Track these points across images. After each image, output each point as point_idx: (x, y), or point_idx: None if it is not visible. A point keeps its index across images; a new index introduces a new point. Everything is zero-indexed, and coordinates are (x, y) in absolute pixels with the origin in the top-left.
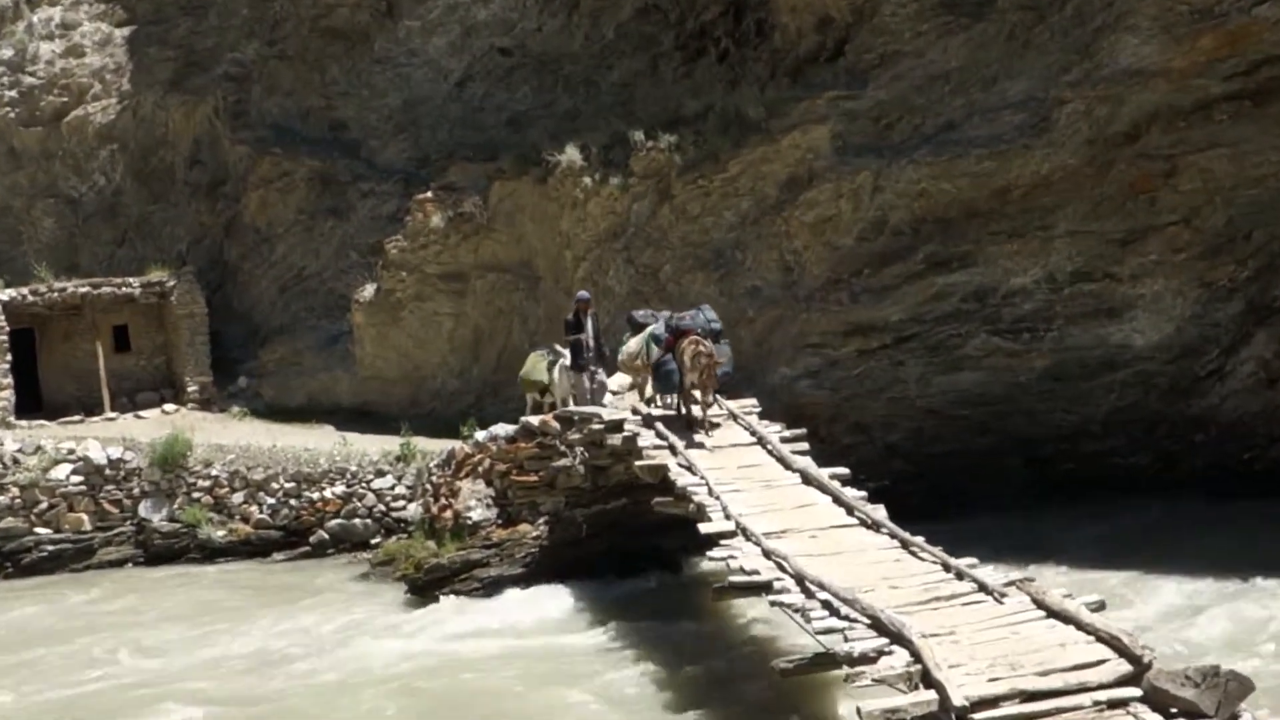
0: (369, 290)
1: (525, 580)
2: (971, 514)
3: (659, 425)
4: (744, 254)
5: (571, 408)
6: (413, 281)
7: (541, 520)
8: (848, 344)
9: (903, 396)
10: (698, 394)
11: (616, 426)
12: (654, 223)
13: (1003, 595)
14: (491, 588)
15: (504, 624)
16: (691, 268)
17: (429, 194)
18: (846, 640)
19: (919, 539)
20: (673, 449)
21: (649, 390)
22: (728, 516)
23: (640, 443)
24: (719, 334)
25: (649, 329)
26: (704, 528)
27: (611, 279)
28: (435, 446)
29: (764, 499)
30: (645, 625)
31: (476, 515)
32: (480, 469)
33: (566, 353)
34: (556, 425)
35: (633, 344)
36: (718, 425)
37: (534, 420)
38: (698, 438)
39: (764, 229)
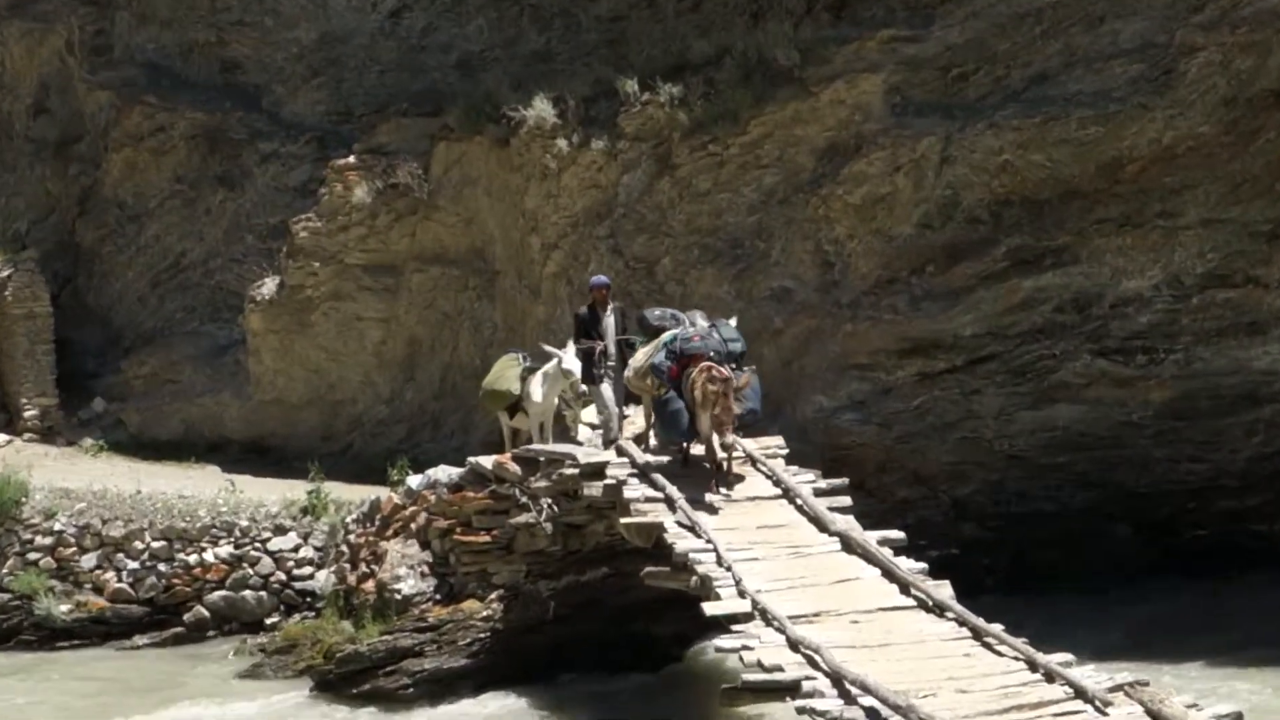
0: (269, 286)
1: (472, 677)
2: (1065, 594)
3: (653, 472)
4: (768, 244)
5: (547, 446)
6: (328, 275)
7: (495, 596)
8: (905, 366)
9: (977, 437)
10: (716, 440)
11: (596, 471)
12: (650, 201)
13: (1106, 704)
14: (426, 687)
15: None
16: (698, 261)
17: (351, 159)
18: None
19: (996, 627)
20: (670, 502)
21: (652, 438)
22: (742, 594)
23: (627, 494)
24: (741, 357)
25: (666, 335)
26: (710, 608)
27: (592, 274)
28: (354, 495)
29: (791, 571)
30: None
31: (407, 588)
32: (414, 526)
33: (562, 357)
34: (516, 469)
35: (642, 354)
36: (740, 479)
37: (485, 462)
38: (711, 497)
39: (795, 212)
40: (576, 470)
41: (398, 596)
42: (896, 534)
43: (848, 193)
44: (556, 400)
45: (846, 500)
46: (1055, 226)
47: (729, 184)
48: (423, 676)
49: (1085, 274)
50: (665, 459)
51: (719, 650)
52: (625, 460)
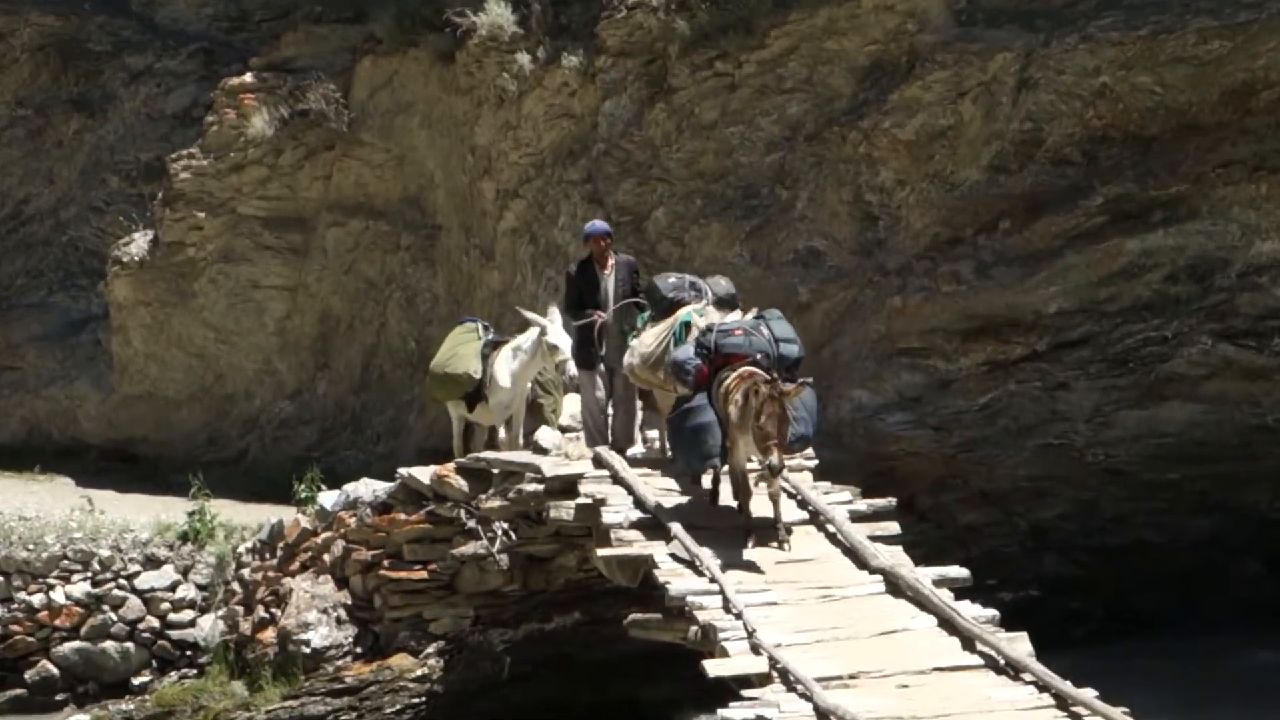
0: (139, 244)
1: None
2: (1178, 649)
3: (638, 486)
4: (792, 193)
5: (503, 454)
6: (217, 229)
7: (433, 649)
8: (969, 352)
9: (1064, 445)
10: (755, 467)
11: (566, 487)
12: (638, 135)
13: None
14: None
15: None
16: (701, 215)
17: (247, 79)
18: None
19: (1087, 693)
20: (663, 529)
21: (679, 461)
22: (757, 649)
23: (606, 517)
24: (796, 366)
25: (684, 312)
26: (715, 667)
27: (562, 230)
28: (249, 517)
29: (820, 619)
30: None
31: (318, 639)
32: (327, 558)
33: (546, 327)
34: (461, 483)
35: (650, 337)
36: (789, 533)
37: (422, 475)
38: (750, 554)
39: (828, 150)
40: (540, 486)
41: (306, 650)
42: (958, 571)
43: (897, 126)
44: (530, 386)
45: (893, 527)
46: (1167, 171)
47: (741, 114)
48: None
49: (1206, 233)
50: (677, 496)
51: None
52: (605, 473)
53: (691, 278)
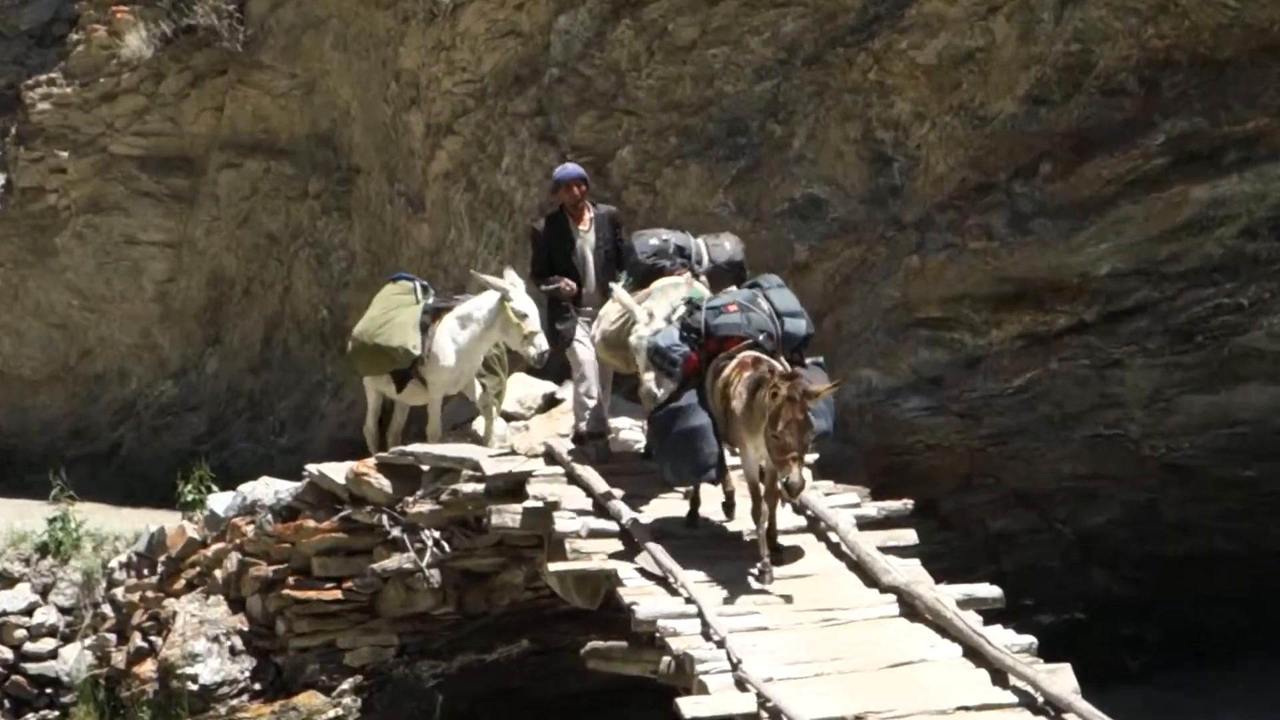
0: None
1: None
2: (1254, 681)
3: (599, 487)
4: (787, 130)
5: (435, 447)
6: (84, 173)
7: (349, 685)
8: (1003, 323)
9: (1117, 436)
10: (772, 478)
11: (511, 487)
12: (601, 58)
13: None
14: None
15: None
16: (676, 156)
17: None
18: None
19: None
20: (629, 539)
21: (665, 471)
22: (743, 684)
23: (560, 524)
24: (804, 345)
25: (666, 282)
26: (691, 706)
27: (507, 174)
28: (124, 525)
29: (821, 648)
30: None
31: (208, 673)
32: (219, 575)
33: (508, 290)
34: (383, 483)
35: (615, 310)
36: (797, 554)
37: (334, 472)
38: (755, 582)
39: (831, 77)
40: (480, 486)
41: (193, 687)
42: (988, 589)
43: (915, 47)
44: (479, 364)
45: (909, 536)
46: (1243, 103)
47: (726, 32)
48: None
49: None
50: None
51: None
52: (558, 471)
53: (681, 237)
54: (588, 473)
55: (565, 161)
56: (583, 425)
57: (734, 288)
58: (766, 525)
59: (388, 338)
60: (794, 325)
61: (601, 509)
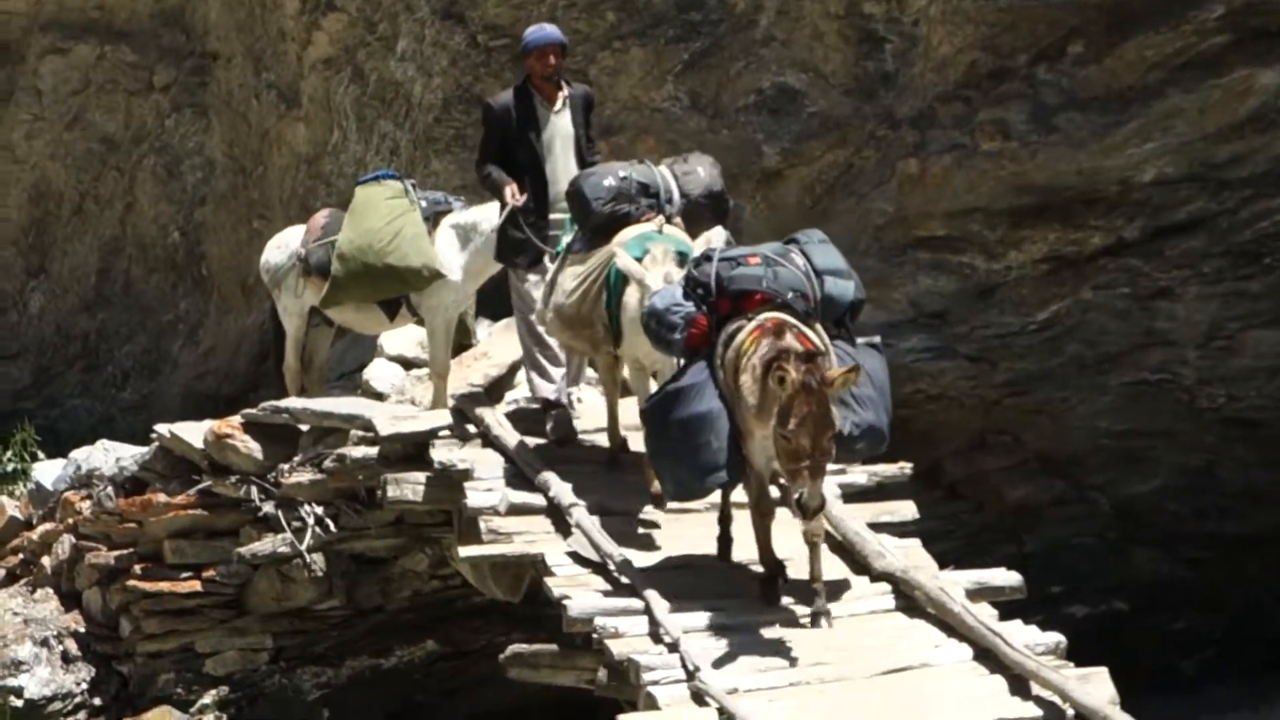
0: None
1: None
2: None
3: (521, 451)
4: (752, 1)
5: (313, 402)
6: None
7: (212, 698)
8: (1022, 243)
9: (1166, 382)
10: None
11: (411, 452)
12: None
13: None
14: None
15: None
16: (615, 35)
17: None
18: None
19: None
20: (558, 515)
21: (664, 481)
22: (700, 698)
23: (473, 498)
24: (854, 311)
25: (626, 238)
26: None
27: (403, 60)
28: None
29: (798, 650)
30: None
31: (36, 685)
32: (48, 562)
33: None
34: (252, 447)
35: (570, 278)
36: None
37: (190, 434)
38: (689, 551)
39: None
40: (373, 450)
41: (16, 702)
42: (1006, 576)
43: None
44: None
45: (908, 510)
46: None
47: None
48: None
49: None
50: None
51: None
52: (470, 430)
53: (643, 170)
54: (507, 434)
55: (475, 45)
56: (547, 390)
57: (721, 229)
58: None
59: (403, 256)
60: (837, 287)
61: (524, 479)
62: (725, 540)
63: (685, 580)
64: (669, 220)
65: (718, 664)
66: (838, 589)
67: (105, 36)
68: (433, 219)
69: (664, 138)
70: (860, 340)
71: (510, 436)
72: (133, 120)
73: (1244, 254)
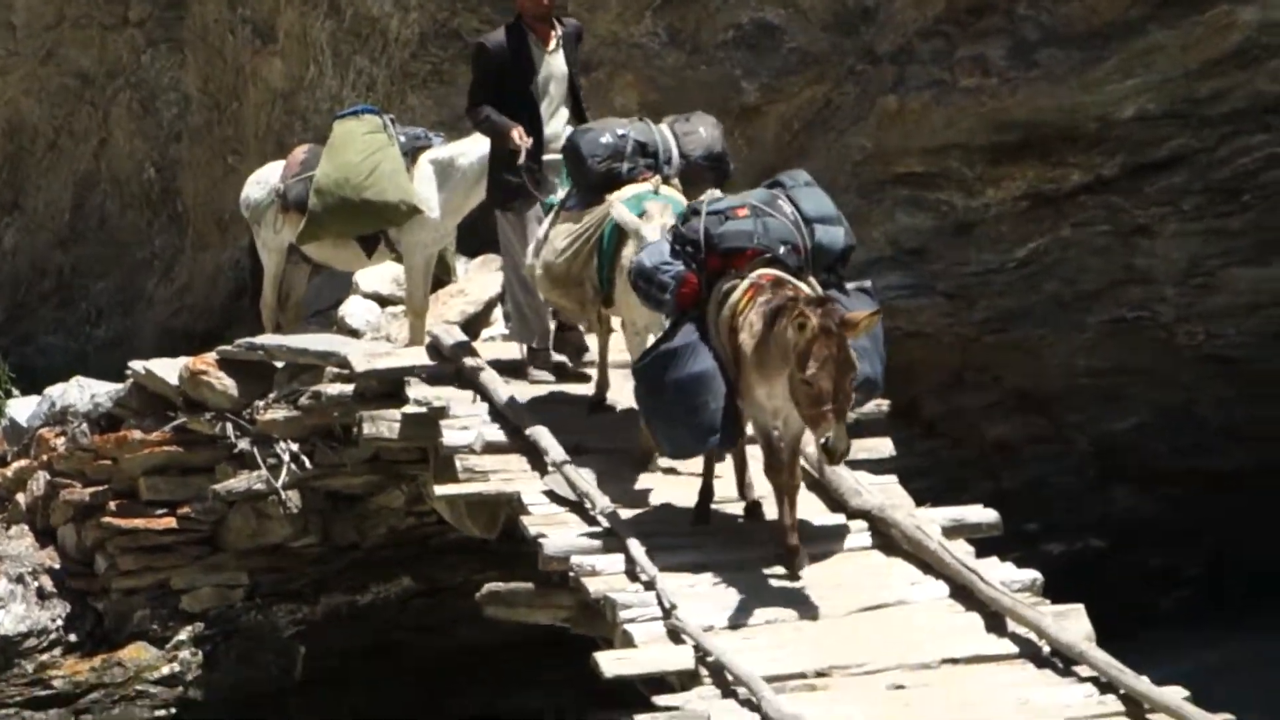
0: None
1: None
2: None
3: (498, 388)
4: None
5: (289, 339)
6: None
7: (187, 635)
8: (1001, 180)
9: (1145, 319)
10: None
11: (387, 389)
12: None
13: None
14: None
15: None
16: None
17: None
18: None
19: (1174, 694)
20: (536, 452)
21: (659, 442)
22: (677, 635)
23: (449, 436)
24: (843, 260)
25: (623, 196)
26: (612, 662)
27: (383, 2)
28: None
29: (774, 588)
30: None
31: (12, 621)
32: (23, 499)
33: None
34: (227, 383)
35: (563, 237)
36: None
37: (165, 370)
38: (666, 489)
39: None
40: (349, 387)
41: None
42: (983, 513)
43: None
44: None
45: (885, 447)
46: None
47: None
48: None
49: None
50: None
51: None
52: (446, 367)
53: (641, 129)
54: (485, 372)
55: None
56: (527, 333)
57: (755, 193)
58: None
59: (380, 191)
60: (828, 234)
61: (501, 416)
62: (705, 502)
63: (662, 519)
64: (666, 181)
65: (694, 602)
66: (803, 518)
67: None
68: (411, 154)
69: (642, 74)
70: (850, 285)
71: (487, 375)
72: (107, 55)
73: (1223, 191)
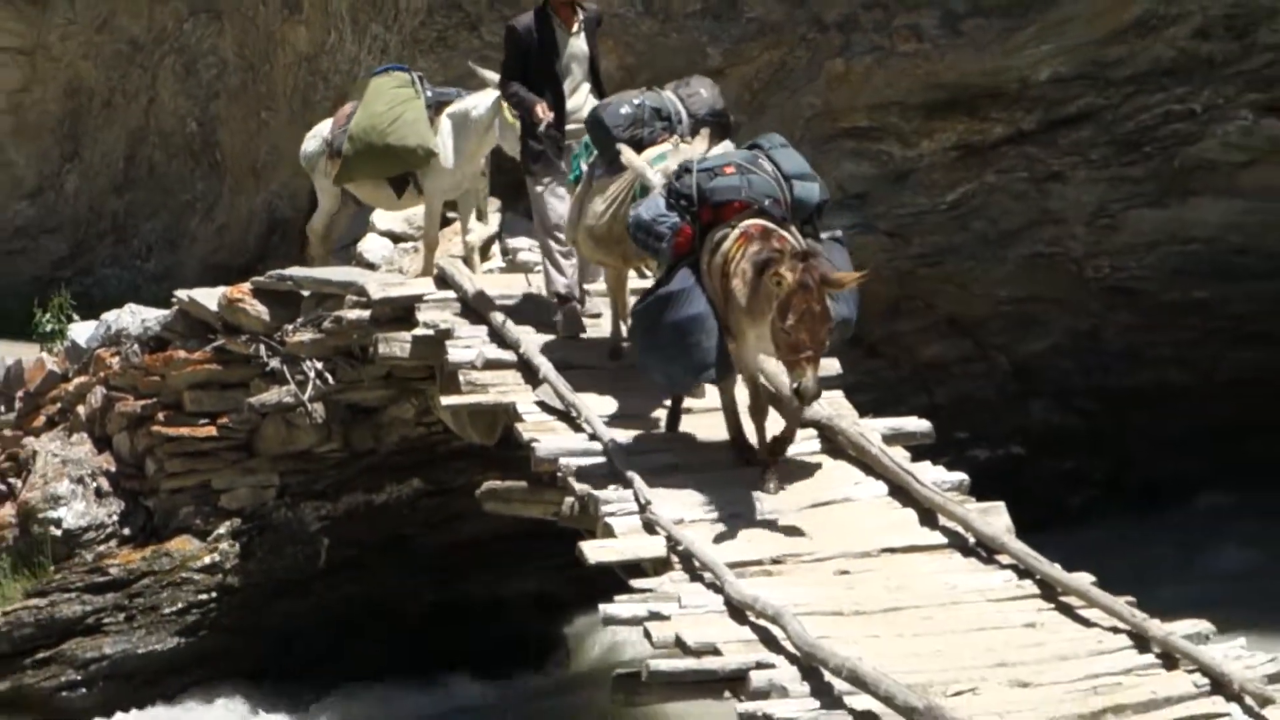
0: None
1: (186, 670)
2: (1205, 524)
3: (496, 313)
4: None
5: (315, 271)
6: None
7: (226, 529)
8: (935, 133)
9: (1058, 255)
10: (784, 383)
11: (399, 314)
12: None
13: (1265, 702)
14: (107, 688)
15: None
16: None
17: None
18: None
19: (1082, 579)
20: (529, 369)
21: (653, 374)
22: (651, 527)
23: (453, 354)
24: (820, 212)
25: (652, 153)
26: (595, 550)
27: None
28: None
29: (735, 487)
30: None
31: (72, 517)
32: (82, 411)
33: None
34: (260, 310)
35: (601, 201)
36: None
37: (207, 299)
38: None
39: None
40: (366, 313)
41: (56, 532)
42: (917, 423)
43: None
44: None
45: (832, 366)
46: None
47: None
48: (102, 669)
49: None
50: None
51: (609, 621)
52: (451, 296)
53: (653, 96)
54: (482, 299)
55: None
56: (560, 284)
57: (728, 143)
58: (774, 432)
59: (401, 137)
60: (805, 189)
61: (498, 337)
62: (676, 412)
63: (639, 426)
64: (682, 139)
65: (666, 498)
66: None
67: None
68: (435, 108)
69: (620, 40)
70: (824, 235)
71: (484, 300)
72: (155, 24)
73: (1127, 143)
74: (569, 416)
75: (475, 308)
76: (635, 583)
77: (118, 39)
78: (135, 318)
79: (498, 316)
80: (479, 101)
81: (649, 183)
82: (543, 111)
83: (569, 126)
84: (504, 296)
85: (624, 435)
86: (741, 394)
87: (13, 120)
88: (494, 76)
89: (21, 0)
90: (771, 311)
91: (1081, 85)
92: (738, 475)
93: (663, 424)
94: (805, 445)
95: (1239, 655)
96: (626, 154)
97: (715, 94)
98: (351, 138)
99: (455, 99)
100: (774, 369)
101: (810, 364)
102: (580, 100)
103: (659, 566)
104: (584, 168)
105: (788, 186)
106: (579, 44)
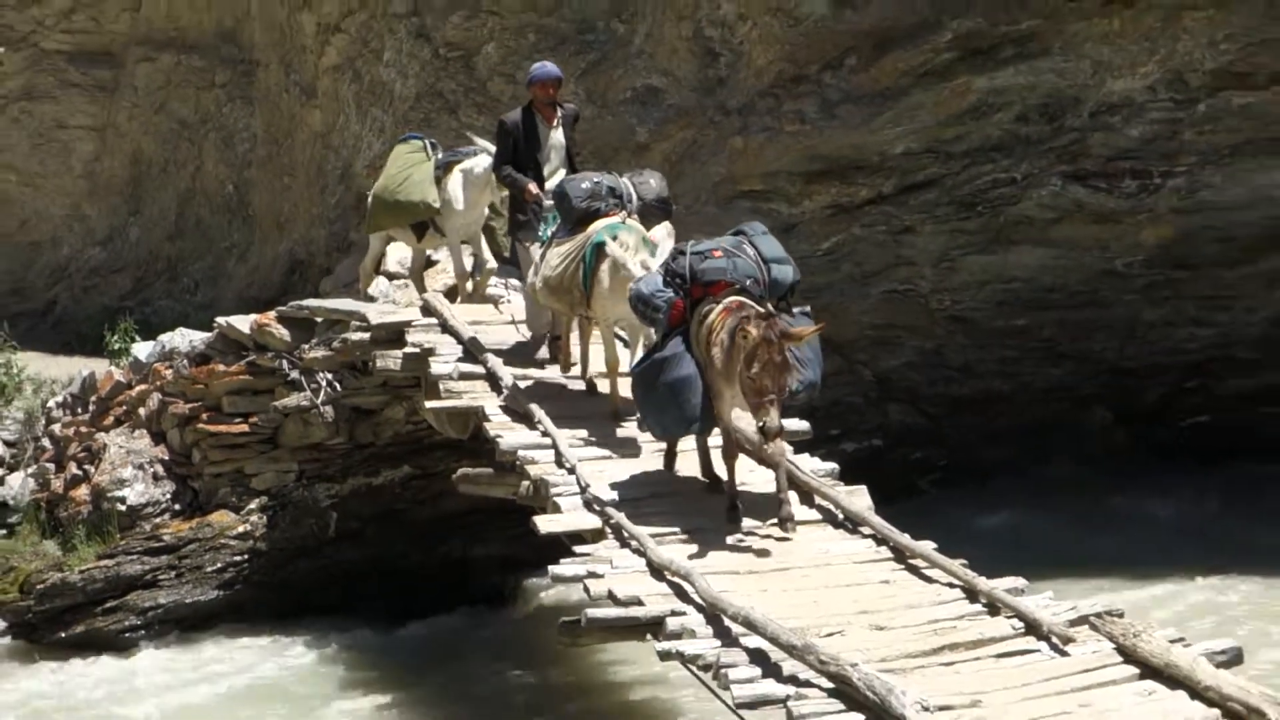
0: None
1: (224, 615)
2: (1023, 502)
3: (467, 335)
4: (630, 28)
5: (327, 301)
6: (18, 65)
7: (255, 505)
8: (813, 194)
9: (909, 291)
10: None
11: (392, 336)
12: None
13: (1066, 640)
14: (162, 630)
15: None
16: (534, 50)
17: None
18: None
19: (926, 545)
20: (494, 380)
21: (649, 424)
22: (590, 504)
23: (435, 367)
24: (792, 291)
25: (598, 228)
26: (545, 523)
27: (388, 66)
28: (59, 370)
29: (656, 475)
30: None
31: (134, 495)
32: (142, 412)
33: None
34: (283, 332)
35: (556, 257)
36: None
37: (241, 323)
38: (584, 408)
39: None
40: (366, 334)
41: (121, 508)
42: (798, 424)
43: None
44: (486, 209)
45: (803, 425)
46: (1018, 6)
47: None
48: (157, 615)
49: (1057, 70)
50: (510, 346)
51: (556, 579)
52: (433, 321)
53: (610, 179)
54: (458, 323)
55: (437, 55)
56: (545, 322)
57: (666, 227)
58: (739, 481)
59: (407, 194)
60: (780, 271)
61: (471, 354)
62: (671, 457)
63: (584, 427)
64: (629, 216)
65: (602, 483)
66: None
67: (181, 49)
68: (446, 166)
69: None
70: (796, 310)
71: (460, 325)
72: (200, 107)
73: (963, 204)
74: (526, 418)
75: (452, 331)
76: (577, 549)
77: (171, 119)
78: (185, 338)
79: (469, 336)
80: (479, 162)
81: (628, 270)
82: (531, 189)
83: (547, 202)
84: (476, 323)
85: (570, 435)
86: (716, 440)
87: (88, 184)
88: (485, 144)
89: (95, 89)
90: (739, 363)
91: (928, 158)
92: (658, 465)
93: (601, 423)
94: (714, 441)
95: (1047, 605)
96: (613, 249)
97: (663, 185)
98: (373, 196)
99: (466, 157)
100: (749, 428)
101: (773, 405)
102: (558, 183)
103: (596, 536)
104: (549, 233)
105: (766, 269)
106: (558, 136)
